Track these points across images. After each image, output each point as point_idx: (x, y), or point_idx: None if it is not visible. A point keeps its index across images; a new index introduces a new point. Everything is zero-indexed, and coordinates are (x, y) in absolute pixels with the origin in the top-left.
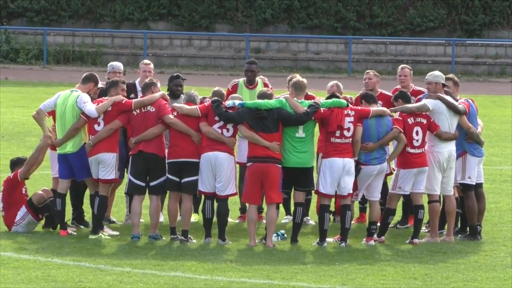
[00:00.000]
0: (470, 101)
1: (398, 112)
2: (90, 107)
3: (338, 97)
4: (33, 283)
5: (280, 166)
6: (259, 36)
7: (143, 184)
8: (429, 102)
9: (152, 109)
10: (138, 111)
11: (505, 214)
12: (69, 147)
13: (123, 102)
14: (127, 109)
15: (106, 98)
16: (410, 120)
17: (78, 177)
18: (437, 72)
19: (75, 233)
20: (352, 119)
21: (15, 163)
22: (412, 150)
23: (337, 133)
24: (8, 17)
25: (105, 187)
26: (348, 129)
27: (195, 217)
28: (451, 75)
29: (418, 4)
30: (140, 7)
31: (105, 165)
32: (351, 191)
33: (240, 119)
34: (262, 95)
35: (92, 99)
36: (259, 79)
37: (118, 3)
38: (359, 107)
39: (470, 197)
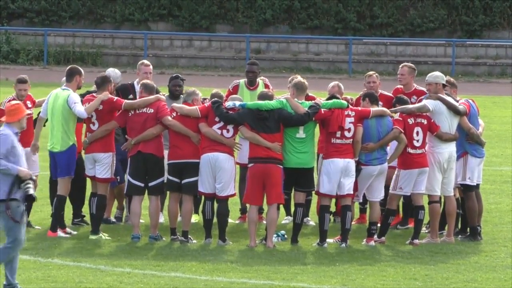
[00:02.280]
0: (470, 102)
1: (399, 113)
2: (80, 108)
3: (338, 98)
4: (33, 284)
5: (281, 166)
6: (259, 36)
7: (142, 185)
8: (429, 103)
9: (151, 111)
10: (133, 112)
11: (505, 215)
12: (57, 146)
13: (115, 100)
14: (118, 108)
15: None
16: (411, 121)
17: (58, 174)
18: (437, 73)
19: (66, 235)
20: (352, 119)
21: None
22: (412, 151)
23: (338, 134)
24: (9, 17)
25: (102, 186)
26: (349, 130)
27: (195, 218)
28: (446, 77)
29: (418, 4)
30: (141, 8)
31: (101, 163)
32: (352, 192)
33: (241, 120)
34: (263, 96)
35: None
36: (260, 80)
37: (118, 4)
38: (359, 108)
39: (470, 197)
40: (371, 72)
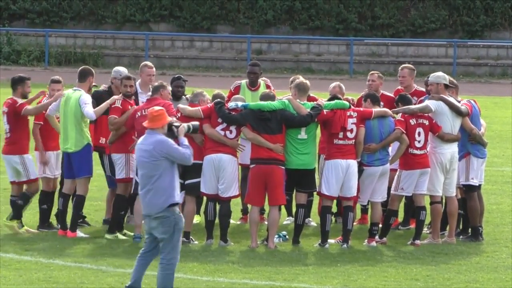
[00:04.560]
0: (472, 102)
1: (400, 113)
2: (88, 109)
3: (339, 98)
4: (34, 285)
5: (283, 167)
6: (260, 37)
7: None
8: (431, 103)
9: None
10: (139, 114)
11: (506, 215)
12: (72, 147)
13: (121, 107)
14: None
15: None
16: (412, 121)
17: (76, 174)
18: (439, 73)
19: (85, 236)
20: (354, 120)
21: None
22: (414, 151)
23: (340, 135)
24: (10, 18)
25: (120, 186)
26: (351, 131)
27: (197, 219)
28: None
29: (419, 5)
30: (142, 9)
31: (115, 164)
32: (355, 193)
33: (243, 120)
34: (265, 97)
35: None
36: (261, 80)
37: (119, 5)
38: (361, 108)
39: (472, 198)
40: (373, 72)
